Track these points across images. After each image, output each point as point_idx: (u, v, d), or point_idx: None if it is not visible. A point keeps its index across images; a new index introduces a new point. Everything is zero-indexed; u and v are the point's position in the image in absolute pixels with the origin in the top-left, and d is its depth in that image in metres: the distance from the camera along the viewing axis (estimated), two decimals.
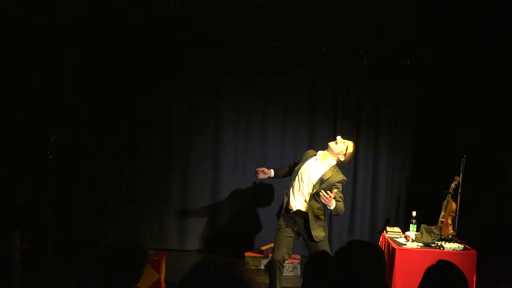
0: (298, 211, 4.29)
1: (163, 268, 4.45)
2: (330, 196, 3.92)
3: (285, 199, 4.38)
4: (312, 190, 4.23)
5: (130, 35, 5.65)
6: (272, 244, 5.78)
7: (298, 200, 4.31)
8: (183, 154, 6.01)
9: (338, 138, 4.37)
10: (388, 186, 6.16)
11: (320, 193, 3.97)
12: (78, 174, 5.84)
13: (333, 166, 4.32)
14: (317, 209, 4.24)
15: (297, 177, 4.33)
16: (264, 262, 5.58)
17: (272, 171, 4.60)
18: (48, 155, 4.23)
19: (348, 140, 4.42)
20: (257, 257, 5.62)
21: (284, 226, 4.35)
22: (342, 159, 4.35)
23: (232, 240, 6.01)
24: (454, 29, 5.00)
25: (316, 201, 4.23)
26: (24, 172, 5.48)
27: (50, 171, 4.50)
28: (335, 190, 4.06)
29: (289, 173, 4.58)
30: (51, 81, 5.65)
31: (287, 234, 4.33)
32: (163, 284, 4.40)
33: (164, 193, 6.02)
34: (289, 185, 4.39)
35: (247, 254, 5.65)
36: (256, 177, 4.59)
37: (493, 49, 5.11)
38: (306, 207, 4.27)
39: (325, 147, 4.46)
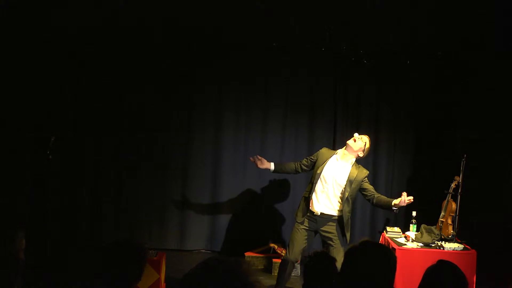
0: (322, 214, 4.30)
1: (163, 268, 4.44)
2: (410, 199, 4.15)
3: (307, 201, 4.36)
4: (344, 194, 4.27)
5: (130, 34, 5.65)
6: (272, 244, 5.80)
7: (323, 203, 4.31)
8: (183, 154, 6.01)
9: (356, 135, 4.38)
10: (388, 185, 6.16)
11: (403, 201, 4.14)
12: (78, 174, 5.84)
13: (355, 163, 4.37)
14: (348, 212, 4.33)
15: (319, 180, 4.31)
16: (264, 262, 5.57)
17: (272, 164, 4.55)
18: (48, 155, 4.22)
19: (364, 135, 4.44)
20: (257, 257, 5.61)
21: (303, 228, 4.34)
22: (361, 155, 4.40)
23: (232, 240, 6.01)
24: (454, 29, 5.00)
25: (348, 204, 4.31)
26: (24, 172, 5.50)
27: (50, 171, 4.50)
28: (411, 197, 4.18)
29: (300, 171, 4.55)
30: (51, 81, 5.65)
31: (305, 236, 4.34)
32: (163, 284, 4.39)
33: (164, 193, 6.02)
34: (311, 188, 4.36)
35: (247, 254, 5.64)
36: (256, 165, 4.55)
37: (493, 48, 5.11)
38: (337, 211, 4.31)
39: (325, 146, 4.46)
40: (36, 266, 4.42)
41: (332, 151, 4.47)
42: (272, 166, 4.55)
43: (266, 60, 5.90)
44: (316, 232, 4.39)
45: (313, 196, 4.33)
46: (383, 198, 4.39)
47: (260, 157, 4.56)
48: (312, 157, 4.52)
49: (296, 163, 4.59)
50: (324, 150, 4.50)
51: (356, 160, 4.41)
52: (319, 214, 4.30)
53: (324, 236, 4.35)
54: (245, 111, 6.05)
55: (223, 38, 5.72)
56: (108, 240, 2.31)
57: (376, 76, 6.02)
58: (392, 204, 4.23)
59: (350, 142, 4.35)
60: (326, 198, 4.30)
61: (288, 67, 5.97)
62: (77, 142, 5.76)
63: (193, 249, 6.08)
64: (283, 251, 5.62)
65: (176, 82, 5.93)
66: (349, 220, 4.38)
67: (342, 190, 4.30)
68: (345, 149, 4.38)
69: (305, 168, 4.52)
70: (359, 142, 4.33)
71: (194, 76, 5.93)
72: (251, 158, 4.60)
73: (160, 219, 6.04)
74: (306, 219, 4.35)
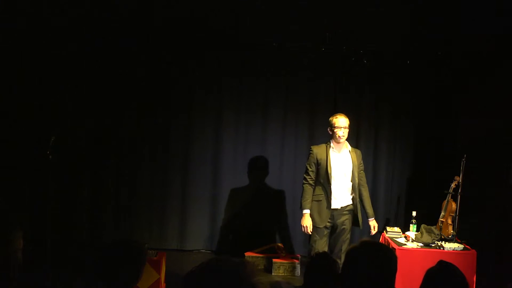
0: (342, 207, 4.51)
1: (163, 268, 4.44)
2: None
3: (327, 202, 4.47)
4: (354, 180, 4.52)
5: (130, 35, 5.65)
6: (272, 245, 5.80)
7: (340, 198, 4.51)
8: (183, 153, 6.01)
9: (342, 126, 4.49)
10: (388, 186, 6.16)
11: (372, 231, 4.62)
12: (78, 174, 5.84)
13: (350, 148, 4.60)
14: (357, 197, 4.61)
15: (332, 179, 4.46)
16: (264, 262, 5.56)
17: (308, 210, 4.50)
18: (48, 155, 4.22)
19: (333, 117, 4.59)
20: (257, 257, 5.60)
21: (324, 231, 4.50)
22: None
23: (232, 240, 6.01)
24: (453, 29, 5.00)
25: (356, 190, 4.57)
26: (24, 172, 5.50)
27: (50, 171, 4.50)
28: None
29: (315, 182, 4.57)
30: (52, 81, 5.66)
31: (327, 237, 4.54)
32: (163, 284, 4.40)
33: (164, 193, 6.02)
34: (324, 189, 4.49)
35: (247, 254, 5.64)
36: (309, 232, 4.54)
37: (493, 48, 5.11)
38: (350, 199, 4.55)
39: (325, 145, 4.49)
40: (36, 266, 4.43)
41: (322, 145, 4.59)
42: (308, 211, 4.52)
43: (266, 60, 5.90)
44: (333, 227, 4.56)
45: (331, 195, 4.47)
46: (367, 203, 4.67)
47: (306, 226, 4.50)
48: (311, 165, 4.55)
49: (307, 185, 4.55)
50: (315, 149, 4.60)
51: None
52: (339, 208, 4.50)
53: (340, 229, 4.53)
54: (245, 111, 6.05)
55: (224, 38, 5.72)
56: (108, 240, 2.31)
57: (376, 76, 6.02)
58: (368, 220, 4.66)
59: (342, 136, 4.47)
60: (342, 191, 4.50)
61: (288, 67, 5.96)
62: (77, 142, 5.75)
63: (193, 249, 6.08)
64: (283, 252, 5.62)
65: (176, 82, 5.93)
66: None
67: (352, 177, 4.53)
68: (338, 142, 4.50)
69: (314, 176, 4.57)
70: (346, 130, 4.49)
71: (194, 76, 5.93)
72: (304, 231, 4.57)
73: (160, 219, 6.03)
74: (327, 223, 4.50)
